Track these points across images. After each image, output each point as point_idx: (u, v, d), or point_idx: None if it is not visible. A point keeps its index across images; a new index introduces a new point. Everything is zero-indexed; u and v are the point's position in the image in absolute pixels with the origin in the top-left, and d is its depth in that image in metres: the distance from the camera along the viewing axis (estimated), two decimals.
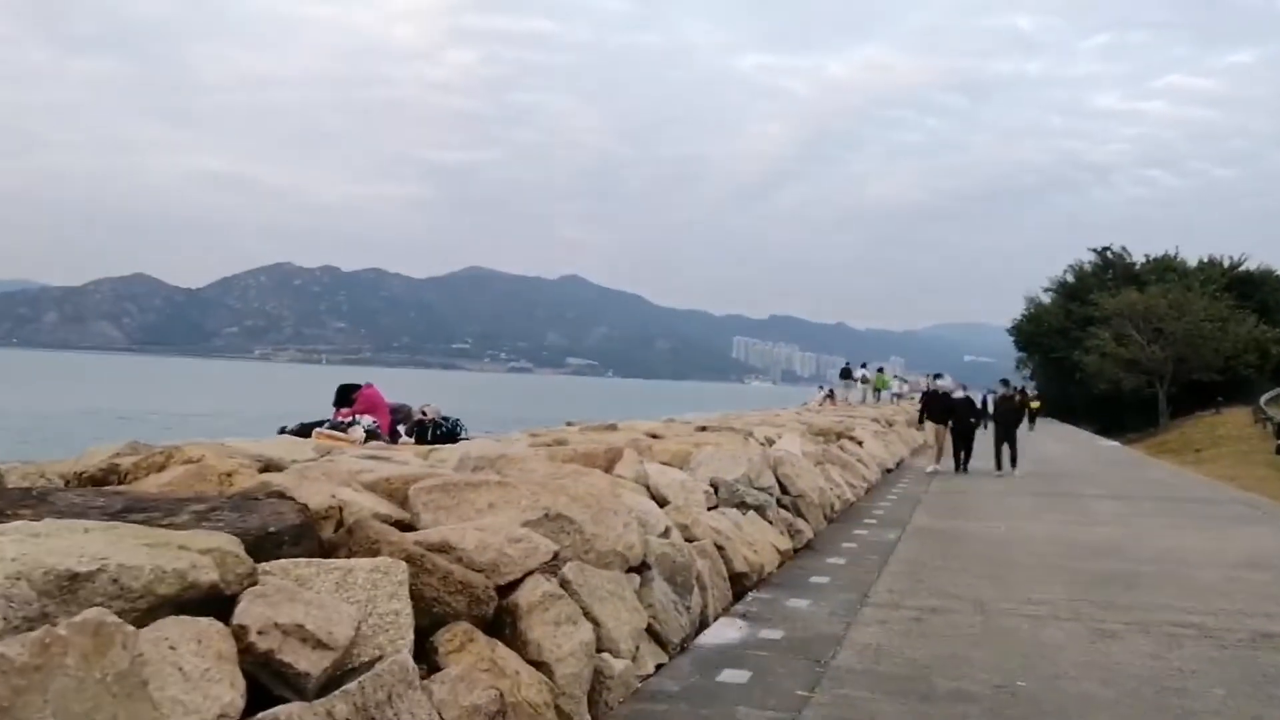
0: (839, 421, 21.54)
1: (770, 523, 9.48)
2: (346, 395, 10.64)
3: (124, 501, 4.40)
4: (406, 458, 7.46)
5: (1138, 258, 67.24)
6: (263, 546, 4.15)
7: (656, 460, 10.23)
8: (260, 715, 2.82)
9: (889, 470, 19.37)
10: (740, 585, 7.85)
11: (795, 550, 9.74)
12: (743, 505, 9.41)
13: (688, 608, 6.41)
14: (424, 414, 10.65)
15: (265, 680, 3.09)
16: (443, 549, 4.69)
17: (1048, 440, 34.07)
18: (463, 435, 10.77)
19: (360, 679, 3.24)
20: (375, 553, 4.41)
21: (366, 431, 9.52)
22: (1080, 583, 8.38)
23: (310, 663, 3.13)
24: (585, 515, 5.84)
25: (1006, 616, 6.99)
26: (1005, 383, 21.74)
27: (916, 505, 14.01)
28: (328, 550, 4.55)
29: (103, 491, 4.74)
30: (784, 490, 11.19)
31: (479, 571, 4.64)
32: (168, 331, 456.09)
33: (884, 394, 39.94)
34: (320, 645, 3.20)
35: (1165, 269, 61.53)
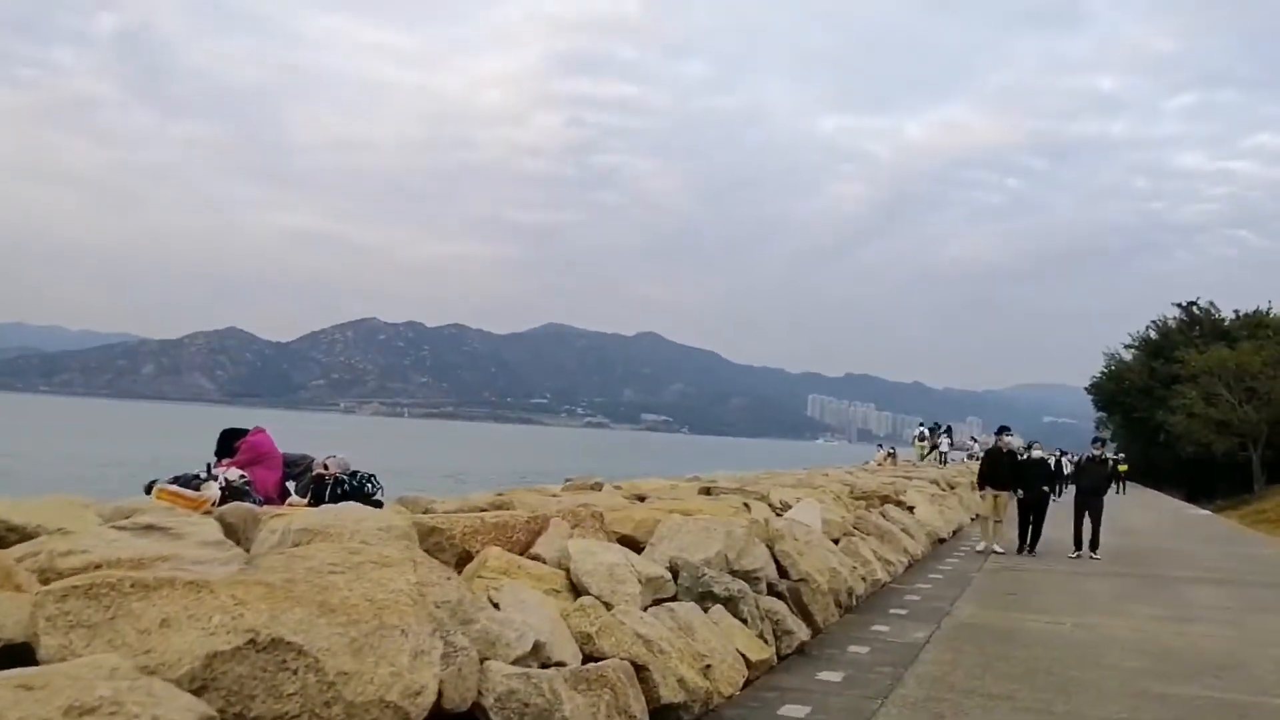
0: (889, 483, 18.94)
1: (744, 621, 7.08)
2: (229, 443, 8.61)
3: None
4: (191, 530, 5.28)
5: (1226, 313, 62.84)
6: None
7: (613, 531, 7.99)
8: None
9: (942, 540, 16.67)
10: None
11: (780, 658, 7.32)
12: (708, 596, 7.04)
13: None
14: (325, 468, 8.53)
15: None
16: None
17: (1130, 507, 30.72)
18: (377, 495, 8.60)
19: None
20: None
21: (225, 489, 7.41)
22: None
23: None
24: (339, 639, 3.60)
25: None
26: (1099, 442, 17.38)
27: (964, 589, 11.42)
28: None
29: None
30: (782, 573, 8.79)
31: None
32: (257, 383, 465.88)
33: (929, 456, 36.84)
34: None
35: (1257, 325, 57.03)
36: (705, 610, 6.90)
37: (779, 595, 8.30)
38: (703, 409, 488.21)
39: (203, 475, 7.61)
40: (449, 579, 5.03)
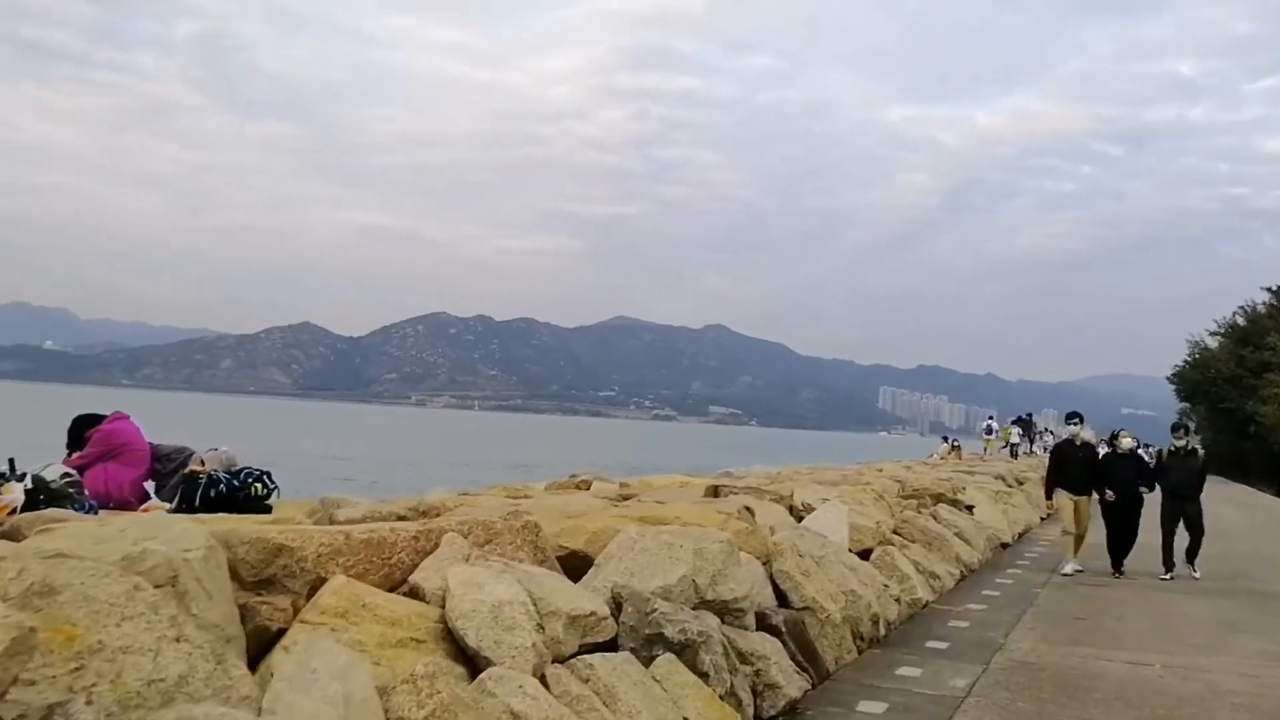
0: (947, 479, 16.83)
1: (704, 675, 5.19)
2: (79, 434, 6.96)
3: None
4: None
5: None
6: None
7: (561, 545, 6.21)
8: None
9: (1005, 545, 14.51)
10: None
11: None
12: (658, 641, 5.17)
13: None
14: (201, 464, 6.82)
15: None
16: None
17: (1220, 505, 27.81)
18: (270, 497, 6.88)
19: None
20: None
21: (38, 491, 5.73)
22: None
23: None
24: None
25: None
26: (1182, 429, 13.41)
27: (1024, 610, 9.36)
28: None
29: None
30: (781, 600, 6.88)
31: None
32: (331, 377, 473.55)
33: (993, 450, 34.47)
34: None
35: None
36: (648, 662, 5.04)
37: (773, 630, 6.39)
38: (772, 401, 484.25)
39: (6, 474, 5.93)
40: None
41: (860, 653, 7.21)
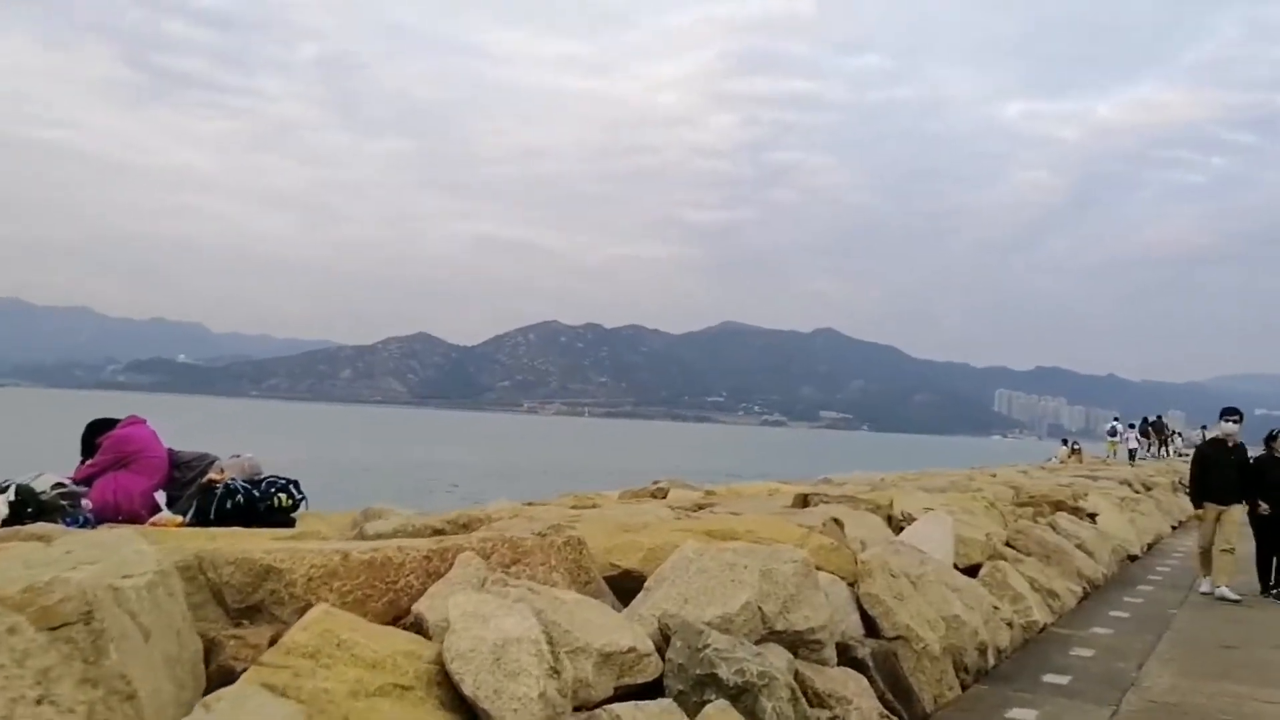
0: (1066, 485, 15.48)
1: None
2: (91, 440, 6.43)
3: None
4: None
5: None
6: None
7: (612, 564, 5.46)
8: None
9: (1133, 558, 13.14)
10: None
11: None
12: (710, 684, 4.31)
13: None
14: (221, 472, 6.22)
15: None
16: None
17: None
18: (297, 509, 6.23)
19: None
20: None
21: (24, 502, 5.14)
22: None
23: None
24: None
25: None
26: None
27: (1159, 636, 8.16)
28: None
29: None
30: (870, 628, 5.93)
31: None
32: (445, 386, 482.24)
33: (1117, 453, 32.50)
34: None
35: None
36: (696, 710, 4.18)
37: (858, 665, 5.47)
38: (884, 406, 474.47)
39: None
40: None
41: (964, 688, 6.22)
